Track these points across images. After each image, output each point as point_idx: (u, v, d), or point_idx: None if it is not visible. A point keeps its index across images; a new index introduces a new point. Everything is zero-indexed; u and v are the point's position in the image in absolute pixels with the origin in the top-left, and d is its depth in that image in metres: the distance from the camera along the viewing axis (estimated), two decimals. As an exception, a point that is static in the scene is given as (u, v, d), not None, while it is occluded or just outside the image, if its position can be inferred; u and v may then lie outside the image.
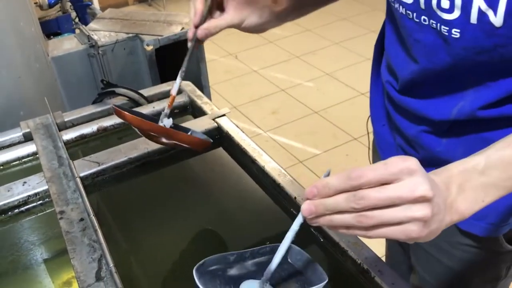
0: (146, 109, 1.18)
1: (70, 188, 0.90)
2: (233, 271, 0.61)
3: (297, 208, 0.85)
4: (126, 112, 0.78)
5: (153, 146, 1.00)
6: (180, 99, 1.23)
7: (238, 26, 0.76)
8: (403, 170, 0.43)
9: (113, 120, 1.15)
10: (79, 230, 0.81)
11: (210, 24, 0.73)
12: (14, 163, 1.06)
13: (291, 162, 2.39)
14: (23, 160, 1.07)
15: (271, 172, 0.92)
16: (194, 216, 0.91)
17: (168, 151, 1.02)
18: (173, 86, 0.80)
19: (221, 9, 0.76)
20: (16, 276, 0.80)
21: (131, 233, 0.87)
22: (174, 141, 0.79)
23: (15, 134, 1.10)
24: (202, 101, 1.19)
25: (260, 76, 3.22)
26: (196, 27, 0.73)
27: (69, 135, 1.11)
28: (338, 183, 0.45)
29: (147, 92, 1.24)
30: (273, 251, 0.56)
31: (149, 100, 1.22)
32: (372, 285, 0.69)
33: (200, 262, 0.58)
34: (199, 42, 0.75)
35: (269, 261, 0.56)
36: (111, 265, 0.72)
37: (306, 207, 0.47)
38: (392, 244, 1.04)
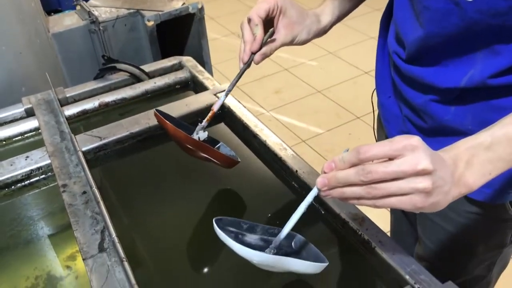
0: (148, 85, 1.18)
1: (72, 162, 0.91)
2: (244, 238, 0.63)
3: (298, 182, 0.85)
4: (166, 121, 0.78)
5: (154, 121, 1.00)
6: (181, 75, 1.22)
7: (290, 44, 0.80)
8: (407, 146, 0.48)
9: (115, 96, 1.15)
10: (81, 202, 0.81)
11: (267, 49, 0.76)
12: (16, 138, 1.06)
13: (294, 141, 2.39)
14: (25, 135, 1.07)
15: (273, 146, 0.92)
16: (195, 190, 0.91)
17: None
18: (215, 103, 0.81)
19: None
20: (18, 250, 0.81)
21: (133, 207, 0.88)
22: (205, 155, 0.79)
23: (17, 110, 1.10)
24: (203, 76, 1.18)
25: (263, 55, 3.19)
26: (254, 53, 0.75)
27: (71, 110, 1.11)
28: (349, 157, 0.50)
29: (148, 67, 1.23)
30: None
31: (150, 75, 1.22)
32: (373, 255, 0.70)
33: (219, 217, 0.61)
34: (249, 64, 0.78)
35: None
36: (114, 235, 0.73)
37: (321, 180, 0.52)
38: (399, 217, 1.04)
